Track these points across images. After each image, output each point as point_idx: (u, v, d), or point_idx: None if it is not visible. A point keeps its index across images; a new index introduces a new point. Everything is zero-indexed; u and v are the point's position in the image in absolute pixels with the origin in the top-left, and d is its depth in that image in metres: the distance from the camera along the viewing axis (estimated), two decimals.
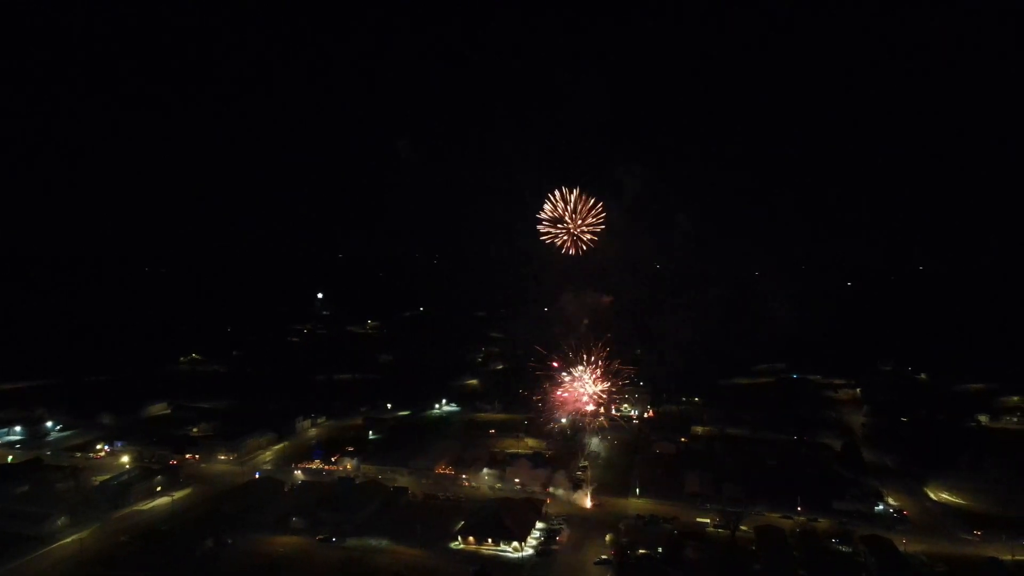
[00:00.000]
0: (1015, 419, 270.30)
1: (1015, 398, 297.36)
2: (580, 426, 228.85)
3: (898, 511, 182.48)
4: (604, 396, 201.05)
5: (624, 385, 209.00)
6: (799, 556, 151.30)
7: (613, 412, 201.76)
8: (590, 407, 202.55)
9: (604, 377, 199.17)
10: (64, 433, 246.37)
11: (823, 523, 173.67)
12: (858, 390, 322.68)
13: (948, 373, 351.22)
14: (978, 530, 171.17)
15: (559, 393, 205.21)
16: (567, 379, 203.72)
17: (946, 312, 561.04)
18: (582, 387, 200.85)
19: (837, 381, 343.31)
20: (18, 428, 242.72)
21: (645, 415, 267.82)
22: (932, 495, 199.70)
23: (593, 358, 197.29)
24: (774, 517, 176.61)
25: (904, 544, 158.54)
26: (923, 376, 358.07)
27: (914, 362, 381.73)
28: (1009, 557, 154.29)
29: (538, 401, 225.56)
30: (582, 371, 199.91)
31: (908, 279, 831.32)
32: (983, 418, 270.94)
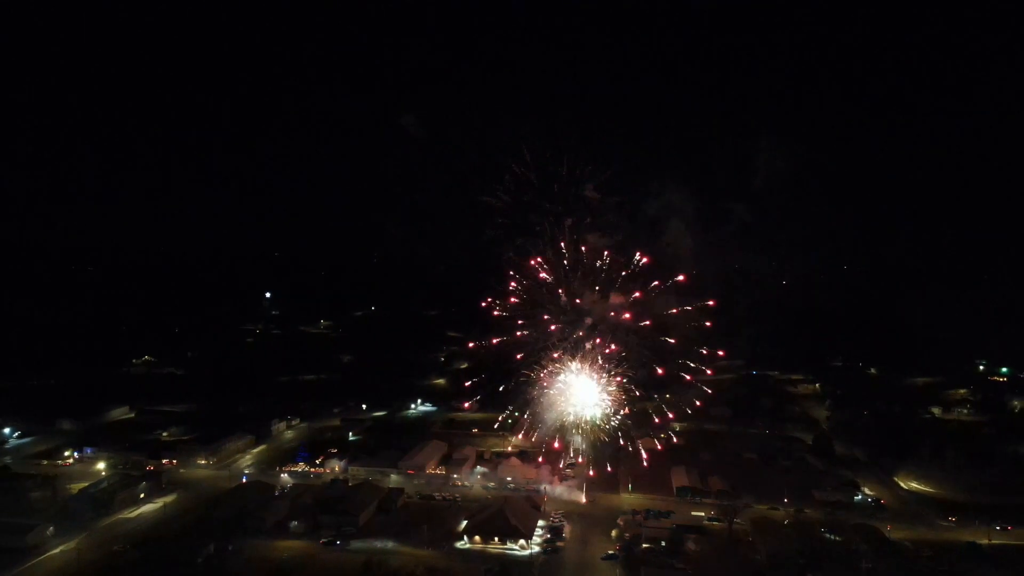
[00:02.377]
0: (965, 411, 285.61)
1: (961, 391, 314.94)
2: (563, 424, 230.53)
3: (876, 500, 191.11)
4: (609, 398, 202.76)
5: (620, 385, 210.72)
6: (796, 546, 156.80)
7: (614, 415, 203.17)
8: (588, 408, 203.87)
9: (603, 378, 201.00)
10: (24, 440, 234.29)
11: (811, 513, 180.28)
12: (817, 385, 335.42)
13: (895, 368, 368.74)
14: (952, 516, 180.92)
15: (552, 393, 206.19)
16: (561, 379, 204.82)
17: (880, 309, 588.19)
18: (581, 389, 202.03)
19: (795, 377, 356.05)
20: None
21: (622, 412, 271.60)
22: (902, 484, 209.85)
23: (588, 359, 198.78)
24: (762, 509, 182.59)
25: (889, 531, 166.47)
26: (873, 371, 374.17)
27: (862, 358, 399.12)
28: (986, 541, 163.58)
29: (526, 401, 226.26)
30: (578, 371, 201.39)
31: (847, 278, 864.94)
32: (936, 410, 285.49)
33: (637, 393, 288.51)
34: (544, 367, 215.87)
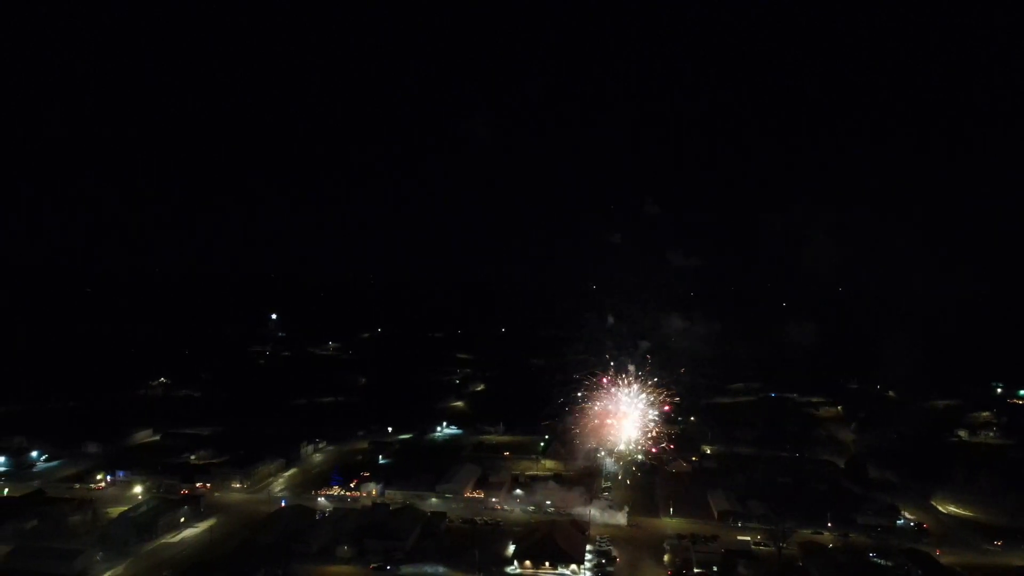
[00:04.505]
0: (991, 434, 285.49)
1: (985, 413, 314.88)
2: (598, 447, 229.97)
3: (918, 524, 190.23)
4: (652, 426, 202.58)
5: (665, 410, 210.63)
6: (847, 571, 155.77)
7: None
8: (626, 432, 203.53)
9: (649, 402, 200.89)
10: (52, 463, 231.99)
11: (855, 538, 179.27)
12: (839, 408, 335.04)
13: (912, 391, 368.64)
14: (996, 541, 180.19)
15: (599, 418, 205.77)
16: (610, 404, 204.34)
17: (890, 331, 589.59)
18: (629, 415, 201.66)
19: (815, 399, 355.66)
20: (1, 459, 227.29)
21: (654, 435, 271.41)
22: (940, 508, 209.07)
23: (635, 383, 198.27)
24: (806, 533, 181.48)
25: (939, 556, 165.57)
26: (891, 394, 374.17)
27: (878, 380, 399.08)
28: None
29: (567, 426, 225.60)
30: (627, 395, 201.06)
31: (852, 300, 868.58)
32: (963, 433, 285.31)
33: (676, 417, 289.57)
34: (584, 389, 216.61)
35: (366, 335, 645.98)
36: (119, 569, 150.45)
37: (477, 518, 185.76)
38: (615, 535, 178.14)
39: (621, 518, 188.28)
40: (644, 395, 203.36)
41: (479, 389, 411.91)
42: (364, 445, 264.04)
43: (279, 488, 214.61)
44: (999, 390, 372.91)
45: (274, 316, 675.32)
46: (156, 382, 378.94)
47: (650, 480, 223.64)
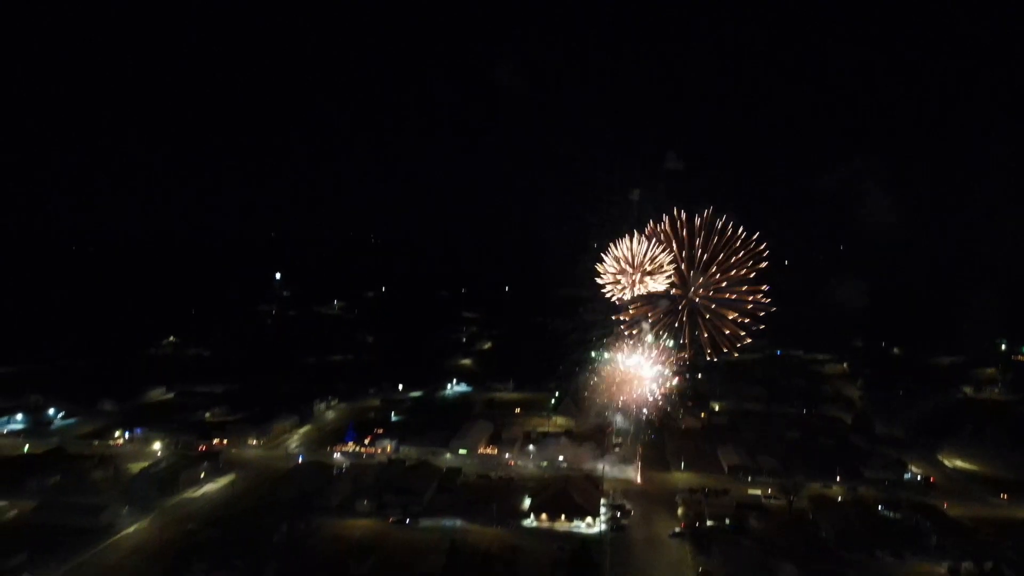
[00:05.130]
0: (996, 390, 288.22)
1: (989, 370, 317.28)
2: (608, 404, 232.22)
3: (925, 478, 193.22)
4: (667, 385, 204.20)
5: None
6: (856, 524, 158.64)
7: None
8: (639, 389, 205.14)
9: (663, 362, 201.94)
10: (68, 421, 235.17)
11: (864, 492, 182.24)
12: (845, 364, 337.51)
13: (917, 348, 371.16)
14: (1003, 494, 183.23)
15: (610, 376, 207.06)
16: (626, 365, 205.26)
17: (894, 290, 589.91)
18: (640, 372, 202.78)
19: (820, 356, 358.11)
20: (19, 416, 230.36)
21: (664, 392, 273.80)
22: (946, 462, 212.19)
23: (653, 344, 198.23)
24: (816, 487, 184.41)
25: (946, 509, 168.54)
26: (896, 351, 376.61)
27: (883, 338, 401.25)
28: None
29: (578, 383, 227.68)
30: (639, 353, 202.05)
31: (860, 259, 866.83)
32: (968, 389, 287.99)
33: (686, 375, 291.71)
34: (598, 346, 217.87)
35: (370, 294, 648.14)
36: (144, 523, 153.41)
37: (492, 473, 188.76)
38: (627, 490, 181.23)
39: (632, 473, 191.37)
40: (655, 353, 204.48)
41: (486, 347, 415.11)
42: (376, 403, 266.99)
43: (294, 445, 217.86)
44: (1003, 347, 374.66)
45: (278, 276, 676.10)
46: (165, 341, 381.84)
47: (660, 436, 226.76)
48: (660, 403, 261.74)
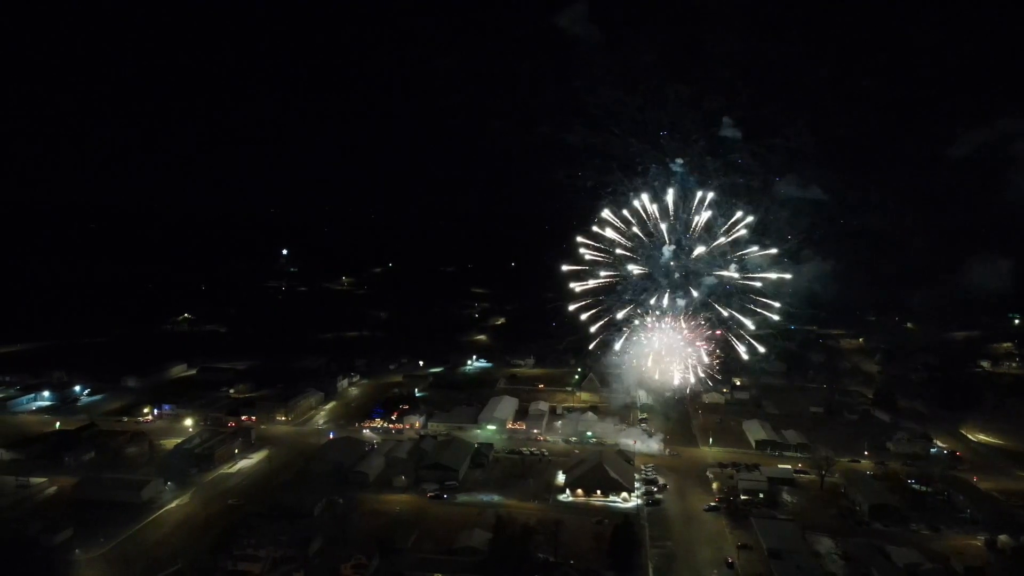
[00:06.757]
0: (1014, 364, 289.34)
1: (1006, 344, 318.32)
2: (633, 380, 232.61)
3: (951, 452, 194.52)
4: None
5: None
6: (890, 498, 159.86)
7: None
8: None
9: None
10: (95, 397, 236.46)
11: (892, 465, 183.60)
12: (861, 340, 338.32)
13: (931, 322, 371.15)
14: None
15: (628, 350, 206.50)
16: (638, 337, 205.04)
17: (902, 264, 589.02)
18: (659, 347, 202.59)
19: (836, 331, 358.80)
20: (46, 393, 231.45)
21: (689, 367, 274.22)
22: (970, 436, 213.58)
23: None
24: (844, 461, 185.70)
25: (976, 482, 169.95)
26: (910, 326, 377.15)
27: (896, 312, 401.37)
28: None
29: (603, 359, 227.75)
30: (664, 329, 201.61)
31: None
32: (985, 364, 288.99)
33: (708, 350, 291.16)
34: (621, 324, 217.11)
35: (377, 269, 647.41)
36: (185, 498, 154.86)
37: (524, 449, 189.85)
38: (657, 464, 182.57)
39: (659, 447, 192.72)
40: (682, 328, 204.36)
41: (499, 323, 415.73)
42: (398, 379, 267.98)
43: (322, 420, 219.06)
44: (1016, 321, 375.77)
45: (285, 252, 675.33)
46: (180, 317, 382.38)
47: (685, 411, 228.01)
48: (685, 378, 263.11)
